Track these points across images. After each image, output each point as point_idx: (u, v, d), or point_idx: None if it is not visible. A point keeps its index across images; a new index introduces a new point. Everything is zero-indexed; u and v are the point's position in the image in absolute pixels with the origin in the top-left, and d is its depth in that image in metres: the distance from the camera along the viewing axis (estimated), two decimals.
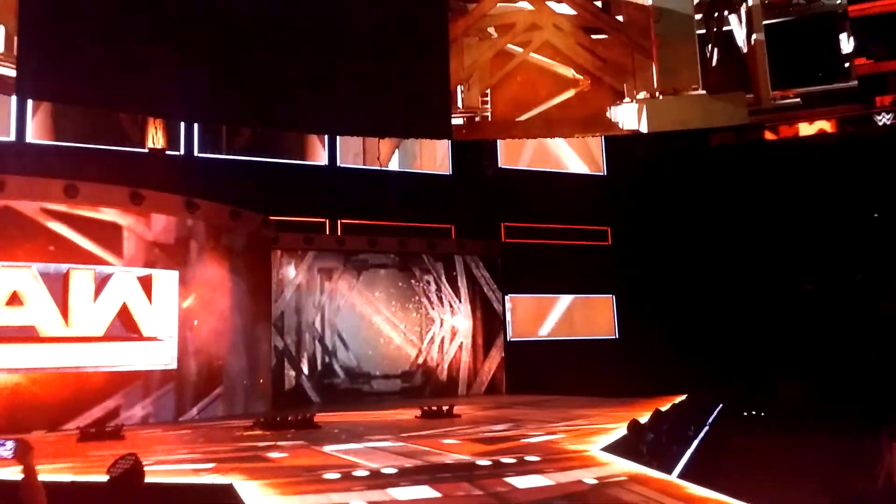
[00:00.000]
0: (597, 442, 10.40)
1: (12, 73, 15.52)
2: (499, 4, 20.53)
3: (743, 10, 19.21)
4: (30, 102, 16.83)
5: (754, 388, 13.63)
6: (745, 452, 9.31)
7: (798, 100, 19.25)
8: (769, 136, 19.43)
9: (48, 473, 8.00)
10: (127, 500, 7.28)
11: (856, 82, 17.68)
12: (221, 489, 8.05)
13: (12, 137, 16.75)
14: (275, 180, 18.62)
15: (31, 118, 17.05)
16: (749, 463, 8.37)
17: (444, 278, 18.85)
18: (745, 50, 19.45)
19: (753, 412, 12.06)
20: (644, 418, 11.50)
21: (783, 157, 19.22)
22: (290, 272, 17.47)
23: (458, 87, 20.01)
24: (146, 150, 17.80)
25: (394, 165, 20.65)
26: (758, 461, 8.51)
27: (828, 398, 13.93)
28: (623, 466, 8.83)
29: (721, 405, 12.72)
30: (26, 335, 12.85)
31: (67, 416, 12.92)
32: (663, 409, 12.45)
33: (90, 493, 7.73)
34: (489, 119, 20.11)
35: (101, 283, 13.65)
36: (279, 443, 11.24)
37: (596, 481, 8.13)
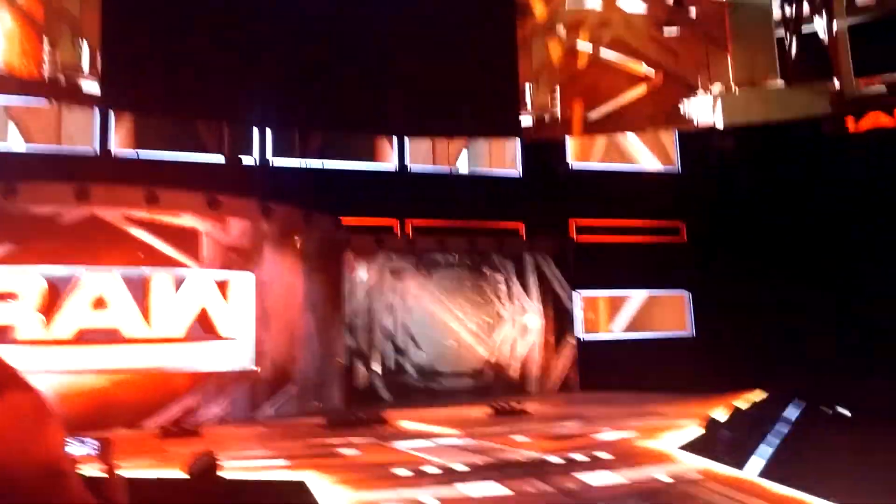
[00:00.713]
0: (671, 439, 10.14)
1: (96, 87, 16.36)
2: (566, 3, 20.40)
3: None
4: (112, 114, 17.52)
5: (836, 384, 12.99)
6: (832, 451, 8.86)
7: (884, 87, 18.43)
8: (859, 125, 18.57)
9: (130, 469, 8.27)
10: (204, 495, 7.51)
11: None
12: (295, 485, 8.18)
13: (96, 149, 17.45)
14: (346, 184, 18.86)
15: (113, 130, 17.74)
16: (837, 463, 7.96)
17: (514, 277, 18.70)
18: (825, 39, 18.75)
19: (838, 409, 11.47)
20: (719, 414, 11.15)
21: (864, 147, 18.31)
22: (362, 273, 17.64)
23: (528, 87, 19.96)
24: (223, 158, 18.29)
25: (463, 166, 20.64)
26: (847, 461, 8.09)
27: None
28: (699, 464, 8.58)
29: (804, 403, 12.19)
30: (110, 337, 13.37)
31: (147, 414, 13.34)
32: (742, 405, 12.03)
33: (170, 488, 7.97)
34: (559, 118, 19.95)
35: (181, 285, 14.07)
36: (351, 439, 11.36)
37: (671, 479, 7.93)
